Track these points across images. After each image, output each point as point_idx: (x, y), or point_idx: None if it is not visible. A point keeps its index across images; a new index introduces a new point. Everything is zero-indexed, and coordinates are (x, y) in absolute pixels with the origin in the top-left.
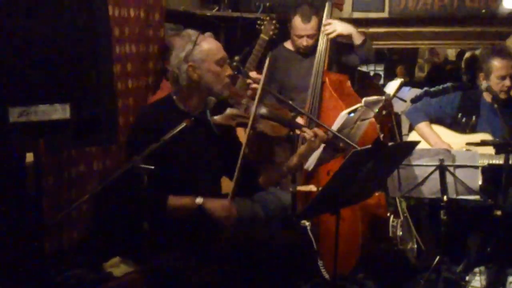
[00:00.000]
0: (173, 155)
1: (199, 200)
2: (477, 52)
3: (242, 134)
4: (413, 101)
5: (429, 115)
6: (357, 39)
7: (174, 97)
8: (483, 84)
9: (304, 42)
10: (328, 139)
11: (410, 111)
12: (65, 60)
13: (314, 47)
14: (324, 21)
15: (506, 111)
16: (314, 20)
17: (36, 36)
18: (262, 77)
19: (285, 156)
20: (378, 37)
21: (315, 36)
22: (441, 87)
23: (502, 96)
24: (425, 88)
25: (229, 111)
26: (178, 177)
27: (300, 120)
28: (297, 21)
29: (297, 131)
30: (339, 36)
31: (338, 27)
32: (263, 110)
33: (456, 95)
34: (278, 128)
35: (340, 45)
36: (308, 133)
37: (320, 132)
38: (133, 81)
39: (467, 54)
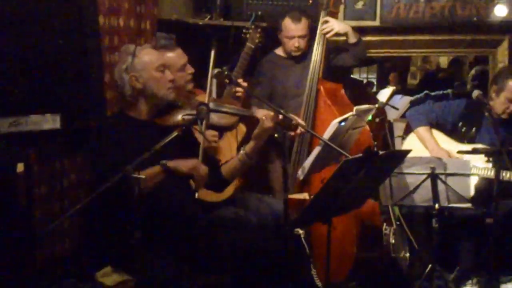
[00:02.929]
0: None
1: (162, 161)
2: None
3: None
4: (413, 103)
5: (431, 119)
6: (352, 38)
7: (125, 109)
8: (493, 96)
9: (296, 43)
10: (279, 120)
11: (411, 113)
12: (55, 70)
13: (305, 53)
14: (321, 19)
15: (509, 129)
16: (304, 21)
17: (27, 47)
18: (209, 72)
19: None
20: (370, 45)
21: (306, 37)
22: (441, 92)
23: (504, 116)
24: (426, 91)
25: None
26: None
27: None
28: (287, 22)
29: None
30: (336, 35)
31: (336, 26)
32: (211, 105)
33: (460, 103)
34: (228, 117)
35: (333, 47)
36: (258, 113)
37: (267, 112)
38: None
39: (475, 70)
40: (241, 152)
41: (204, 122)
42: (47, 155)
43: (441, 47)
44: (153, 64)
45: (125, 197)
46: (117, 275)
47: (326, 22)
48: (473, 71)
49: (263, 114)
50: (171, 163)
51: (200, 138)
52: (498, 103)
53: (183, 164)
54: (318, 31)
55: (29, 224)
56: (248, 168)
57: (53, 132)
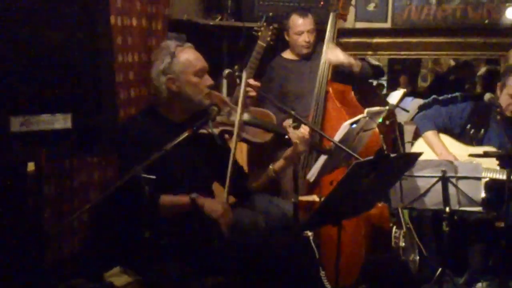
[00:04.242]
0: (167, 163)
1: (194, 195)
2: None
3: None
4: (421, 108)
5: (438, 124)
6: (355, 68)
7: (158, 107)
8: (498, 93)
9: (306, 37)
10: (313, 143)
11: (419, 118)
12: (67, 70)
13: (313, 55)
14: (330, 21)
15: None
16: (310, 16)
17: (39, 47)
18: (242, 84)
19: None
20: (380, 47)
21: (314, 33)
22: (449, 96)
23: (509, 114)
24: (434, 96)
25: None
26: (171, 184)
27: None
28: (294, 18)
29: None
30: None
31: (340, 56)
32: (246, 117)
33: (467, 106)
34: (261, 134)
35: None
36: (292, 136)
37: (301, 133)
38: (135, 90)
39: (483, 70)
40: (270, 169)
41: (234, 133)
42: (57, 154)
43: (452, 49)
44: (193, 68)
45: (135, 198)
46: (126, 276)
47: (330, 53)
48: (482, 70)
49: (297, 137)
50: (201, 200)
51: (233, 146)
52: (502, 100)
53: (211, 209)
54: (327, 33)
55: (39, 224)
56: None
57: (64, 131)
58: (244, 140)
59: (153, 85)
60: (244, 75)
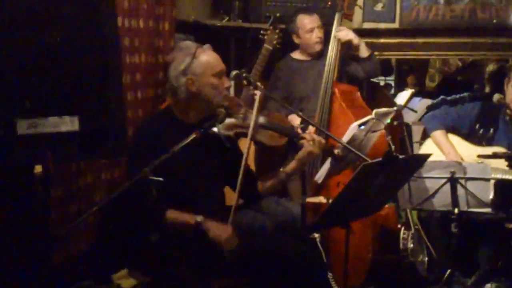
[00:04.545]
0: (178, 167)
1: (199, 218)
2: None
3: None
4: (430, 108)
5: (446, 124)
6: (364, 52)
7: (174, 109)
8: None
9: (318, 33)
10: (326, 146)
11: (427, 118)
12: (74, 71)
13: (321, 55)
14: (335, 22)
15: None
16: (315, 14)
17: (45, 48)
18: (258, 90)
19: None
20: (388, 47)
21: (323, 29)
22: (458, 96)
23: None
24: (442, 96)
25: (227, 121)
26: (182, 188)
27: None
28: (302, 17)
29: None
30: (348, 43)
31: (350, 33)
32: (262, 120)
33: (475, 105)
34: (277, 137)
35: (347, 56)
36: (305, 139)
37: (317, 137)
38: (143, 91)
39: (491, 67)
40: (281, 172)
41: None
42: (64, 157)
43: (461, 49)
44: (213, 70)
45: (142, 200)
46: (134, 278)
47: (341, 30)
48: (490, 67)
49: (310, 139)
50: (207, 224)
51: (244, 149)
52: (509, 95)
53: (216, 234)
54: (332, 34)
55: (46, 226)
56: None
57: (71, 134)
58: (259, 143)
59: (171, 86)
60: (258, 93)
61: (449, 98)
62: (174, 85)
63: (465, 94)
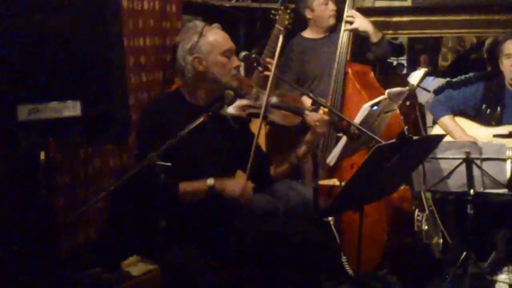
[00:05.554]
0: (187, 149)
1: (210, 181)
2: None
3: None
4: (436, 92)
5: (452, 108)
6: (374, 37)
7: (182, 90)
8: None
9: (333, 6)
10: (333, 123)
11: (432, 105)
12: (75, 55)
13: (333, 34)
14: (346, 12)
15: None
16: None
17: (46, 32)
18: (273, 66)
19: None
20: (401, 26)
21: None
22: (463, 77)
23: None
24: (447, 79)
25: (239, 102)
26: (192, 171)
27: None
28: None
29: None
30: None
31: (357, 23)
32: (274, 100)
33: (479, 86)
34: (290, 117)
35: (359, 38)
36: (310, 119)
37: (323, 116)
38: (148, 74)
39: (488, 41)
40: (293, 156)
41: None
42: (67, 143)
43: (475, 27)
44: (221, 48)
45: (151, 185)
46: (143, 265)
47: (351, 17)
48: (486, 45)
49: (315, 119)
50: (219, 185)
51: (255, 130)
52: (505, 67)
53: (230, 190)
54: (345, 13)
55: (51, 214)
56: None
57: (73, 119)
58: (272, 123)
59: (179, 66)
60: (278, 49)
61: (454, 80)
62: (181, 65)
63: (470, 74)
